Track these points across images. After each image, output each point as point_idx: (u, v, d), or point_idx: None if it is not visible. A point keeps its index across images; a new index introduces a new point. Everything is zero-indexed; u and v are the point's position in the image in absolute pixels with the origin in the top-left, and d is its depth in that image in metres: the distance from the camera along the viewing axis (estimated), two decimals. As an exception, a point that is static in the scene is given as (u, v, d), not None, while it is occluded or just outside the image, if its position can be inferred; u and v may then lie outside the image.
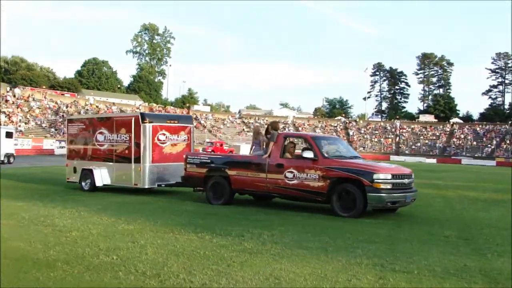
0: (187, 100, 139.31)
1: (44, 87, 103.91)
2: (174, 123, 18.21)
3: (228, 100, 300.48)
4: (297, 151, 14.46)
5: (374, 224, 11.89)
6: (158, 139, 17.53)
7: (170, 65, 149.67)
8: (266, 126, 15.71)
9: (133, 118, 17.56)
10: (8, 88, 76.55)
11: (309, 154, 13.29)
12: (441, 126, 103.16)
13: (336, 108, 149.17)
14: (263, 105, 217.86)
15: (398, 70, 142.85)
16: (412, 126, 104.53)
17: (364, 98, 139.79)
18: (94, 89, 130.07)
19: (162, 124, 17.80)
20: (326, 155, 13.44)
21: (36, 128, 65.30)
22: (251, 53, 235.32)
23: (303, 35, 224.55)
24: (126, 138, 17.70)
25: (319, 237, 9.94)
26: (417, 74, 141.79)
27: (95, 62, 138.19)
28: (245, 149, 74.63)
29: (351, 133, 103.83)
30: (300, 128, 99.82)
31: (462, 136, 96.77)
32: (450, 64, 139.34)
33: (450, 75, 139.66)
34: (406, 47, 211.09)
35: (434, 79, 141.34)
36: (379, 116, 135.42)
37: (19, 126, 61.88)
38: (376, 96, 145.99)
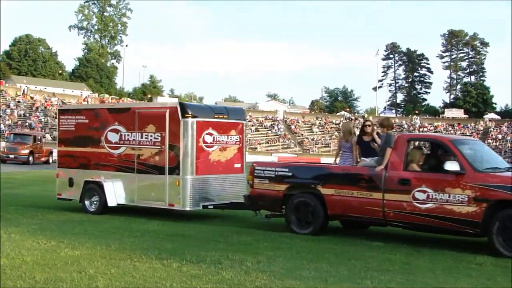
0: (149, 90, 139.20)
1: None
2: (223, 118, 16.61)
3: (201, 90, 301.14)
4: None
5: (386, 248, 12.00)
6: (204, 141, 15.97)
7: (126, 45, 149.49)
8: (364, 123, 14.92)
9: (168, 111, 15.89)
10: None
11: (453, 166, 11.93)
12: (472, 124, 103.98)
13: (338, 101, 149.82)
14: (246, 97, 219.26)
15: (418, 52, 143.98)
16: (436, 124, 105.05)
17: (374, 88, 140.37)
18: (28, 75, 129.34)
19: (210, 120, 16.16)
20: (477, 167, 12.11)
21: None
22: (228, 30, 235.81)
23: (295, 5, 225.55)
24: (155, 138, 16.04)
25: (316, 264, 10.02)
26: (441, 57, 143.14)
27: (29, 41, 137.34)
28: None
29: (357, 131, 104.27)
30: (293, 126, 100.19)
31: (500, 136, 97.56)
32: (485, 44, 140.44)
33: (484, 58, 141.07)
34: (427, 23, 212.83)
35: (464, 64, 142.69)
36: (393, 111, 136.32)
37: None
38: (390, 85, 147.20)
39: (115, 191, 16.62)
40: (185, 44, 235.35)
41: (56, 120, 19.72)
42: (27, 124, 74.29)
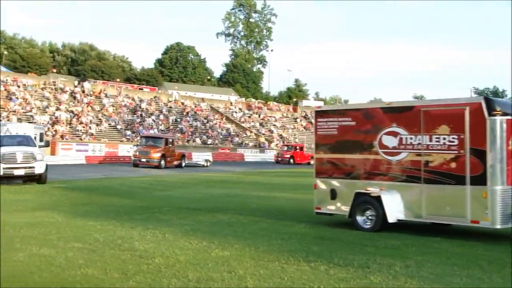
0: (294, 93, 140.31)
1: (118, 80, 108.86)
2: None
3: (346, 93, 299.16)
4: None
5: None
6: None
7: (271, 50, 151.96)
8: None
9: (468, 108, 13.50)
10: (76, 82, 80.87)
11: None
12: None
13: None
14: (391, 98, 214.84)
15: None
16: None
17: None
18: (179, 81, 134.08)
19: None
20: None
21: (109, 130, 68.42)
22: (369, 31, 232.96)
23: (440, 4, 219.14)
24: (450, 142, 13.78)
25: (468, 271, 9.70)
26: None
27: (179, 49, 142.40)
28: None
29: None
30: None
31: None
32: None
33: None
34: None
35: None
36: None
37: (90, 128, 65.17)
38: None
39: (395, 205, 14.42)
40: (329, 47, 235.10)
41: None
42: (178, 128, 77.05)
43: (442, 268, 9.92)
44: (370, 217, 14.66)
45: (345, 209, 15.11)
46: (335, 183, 15.60)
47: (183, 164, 51.12)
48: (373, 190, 14.59)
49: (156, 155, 47.30)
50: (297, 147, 72.26)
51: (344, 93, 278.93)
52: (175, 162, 50.11)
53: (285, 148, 73.39)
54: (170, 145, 50.31)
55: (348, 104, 19.17)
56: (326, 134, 16.05)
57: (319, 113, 16.56)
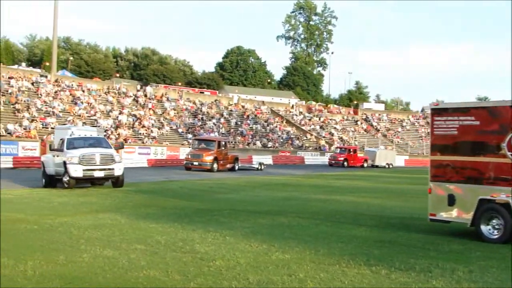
0: (355, 96, 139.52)
1: (179, 84, 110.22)
2: None
3: (408, 95, 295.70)
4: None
5: None
6: None
7: (332, 53, 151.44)
8: None
9: None
10: (139, 86, 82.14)
11: None
12: None
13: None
14: (453, 100, 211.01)
15: None
16: None
17: None
18: (239, 85, 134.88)
19: None
20: None
21: (171, 133, 69.25)
22: (435, 31, 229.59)
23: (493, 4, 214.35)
24: None
25: (535, 277, 9.46)
26: None
27: (240, 52, 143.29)
28: (384, 156, 73.66)
29: None
30: None
31: None
32: None
33: None
34: None
35: None
36: None
37: (152, 131, 66.06)
38: None
39: None
40: (389, 49, 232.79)
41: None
42: (238, 131, 77.42)
43: (507, 274, 9.72)
44: (496, 227, 13.42)
45: (466, 217, 13.83)
46: (453, 188, 14.25)
47: (236, 168, 50.34)
48: (500, 196, 13.28)
49: (208, 158, 46.49)
50: (351, 150, 71.77)
51: (405, 95, 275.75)
52: (228, 165, 49.14)
53: (338, 150, 72.98)
54: (223, 148, 49.00)
55: (470, 101, 17.01)
56: (444, 134, 14.59)
57: (437, 111, 15.00)
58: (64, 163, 26.61)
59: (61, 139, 28.70)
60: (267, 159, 67.99)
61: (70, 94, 67.39)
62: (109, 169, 27.02)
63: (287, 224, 15.65)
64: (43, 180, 28.97)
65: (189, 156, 47.65)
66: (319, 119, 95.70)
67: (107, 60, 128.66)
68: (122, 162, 28.45)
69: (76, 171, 26.34)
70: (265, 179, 38.75)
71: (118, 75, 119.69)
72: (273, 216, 17.39)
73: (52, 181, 28.32)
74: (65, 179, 26.68)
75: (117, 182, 27.69)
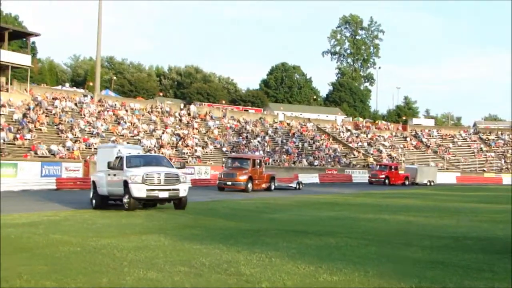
0: (404, 111, 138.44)
1: (223, 102, 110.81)
2: None
3: (459, 110, 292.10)
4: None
5: None
6: None
7: (379, 68, 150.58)
8: None
9: None
10: (182, 105, 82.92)
11: None
12: None
13: None
14: (507, 115, 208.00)
15: None
16: None
17: None
18: (284, 102, 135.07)
19: None
20: None
21: (215, 152, 69.56)
22: (484, 41, 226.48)
23: None
24: None
25: None
26: None
27: (285, 69, 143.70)
28: (426, 173, 72.37)
29: None
30: None
31: None
32: None
33: None
34: None
35: None
36: None
37: (195, 151, 66.47)
38: None
39: None
40: (439, 62, 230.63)
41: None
42: (284, 150, 77.41)
43: None
44: None
45: None
46: None
47: (273, 187, 49.08)
48: None
49: (242, 177, 45.10)
50: (392, 167, 71.08)
51: (456, 110, 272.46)
52: (264, 185, 47.81)
53: (378, 167, 72.35)
54: (258, 166, 47.39)
55: None
56: None
57: None
58: (125, 182, 25.80)
59: (117, 157, 27.86)
60: (314, 178, 67.85)
61: (113, 114, 68.42)
62: (174, 189, 26.09)
63: (335, 245, 15.50)
64: (93, 201, 28.32)
65: (222, 176, 46.49)
66: (367, 136, 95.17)
67: (150, 79, 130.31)
68: (187, 182, 27.67)
69: (140, 191, 25.45)
70: (312, 198, 38.60)
71: (161, 94, 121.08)
72: (320, 237, 17.25)
73: (104, 201, 27.81)
74: (125, 199, 25.95)
75: (179, 203, 26.85)
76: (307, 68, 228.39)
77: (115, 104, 71.60)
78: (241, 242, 15.83)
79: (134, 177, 25.58)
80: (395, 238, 17.06)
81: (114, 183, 26.93)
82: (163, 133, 68.33)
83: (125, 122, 66.98)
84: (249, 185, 45.38)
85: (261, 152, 72.35)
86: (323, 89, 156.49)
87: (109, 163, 27.17)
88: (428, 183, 71.44)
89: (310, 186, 59.43)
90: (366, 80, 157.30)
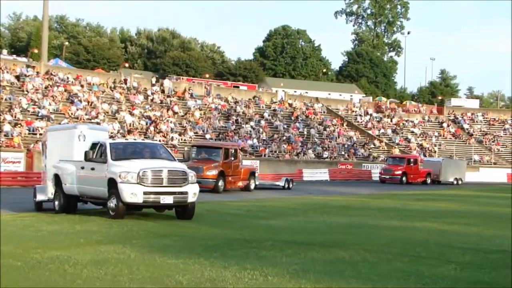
0: (439, 90, 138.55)
1: (207, 76, 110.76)
2: None
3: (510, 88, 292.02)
4: None
5: None
6: None
7: (408, 33, 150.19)
8: None
9: None
10: (154, 80, 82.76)
11: None
12: None
13: None
14: None
15: None
16: None
17: None
18: (285, 76, 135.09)
19: None
20: None
21: (196, 140, 69.37)
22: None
23: None
24: None
25: None
26: None
27: (286, 34, 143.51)
28: (452, 168, 71.97)
29: None
30: None
31: None
32: None
33: None
34: None
35: None
36: None
37: (171, 138, 66.41)
38: None
39: None
40: (487, 28, 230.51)
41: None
42: (284, 138, 77.31)
43: None
44: None
45: None
46: None
47: (253, 186, 48.07)
48: None
49: (211, 173, 43.49)
50: (411, 160, 70.16)
51: (507, 88, 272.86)
52: (240, 183, 46.93)
53: (391, 160, 71.12)
54: (233, 158, 46.21)
55: None
56: None
57: None
58: (111, 181, 23.68)
59: (94, 144, 25.94)
60: (322, 174, 67.90)
61: (65, 90, 68.25)
62: (181, 193, 23.90)
63: (348, 260, 15.55)
64: (55, 203, 26.79)
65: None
66: (391, 121, 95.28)
67: (112, 45, 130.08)
68: (196, 183, 25.16)
69: (134, 194, 23.08)
70: (319, 200, 38.66)
71: (127, 65, 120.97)
72: (330, 249, 17.30)
73: (73, 203, 26.41)
74: (112, 204, 23.77)
75: (185, 211, 24.78)
76: (314, 33, 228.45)
77: (67, 78, 71.48)
78: (229, 255, 15.86)
79: (126, 175, 23.25)
80: (426, 252, 17.12)
81: (91, 181, 25.16)
82: (129, 115, 68.25)
83: (80, 101, 66.85)
84: (220, 183, 44.14)
85: (255, 140, 72.32)
86: (336, 61, 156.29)
87: (86, 153, 25.10)
88: (455, 182, 71.17)
89: (317, 184, 59.57)
90: (391, 48, 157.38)
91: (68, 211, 26.00)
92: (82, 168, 25.55)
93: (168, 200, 23.54)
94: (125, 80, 77.12)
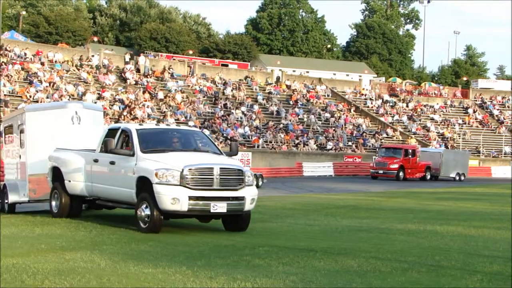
0: (464, 69, 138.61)
1: (190, 53, 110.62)
2: None
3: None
4: None
5: None
6: None
7: (428, 2, 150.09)
8: None
9: None
10: (128, 57, 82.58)
11: None
12: None
13: None
14: None
15: None
16: None
17: None
18: (282, 53, 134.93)
19: None
20: None
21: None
22: None
23: None
24: None
25: None
26: None
27: (284, 3, 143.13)
28: (453, 162, 71.86)
29: None
30: None
31: None
32: None
33: None
34: None
35: None
36: None
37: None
38: None
39: None
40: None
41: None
42: (281, 125, 77.33)
43: None
44: None
45: None
46: None
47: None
48: None
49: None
50: (409, 151, 69.33)
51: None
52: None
53: (384, 151, 70.64)
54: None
55: None
56: None
57: None
58: (143, 181, 21.32)
59: (111, 130, 24.06)
60: (325, 168, 68.03)
61: (22, 69, 68.17)
62: (236, 198, 21.66)
63: (357, 269, 15.62)
64: (53, 204, 25.34)
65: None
66: (408, 106, 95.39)
67: (79, 16, 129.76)
68: (253, 185, 22.83)
69: (176, 200, 20.69)
70: (323, 199, 38.74)
71: (96, 39, 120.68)
72: (336, 257, 17.37)
73: (78, 206, 25.21)
74: (142, 213, 21.42)
75: (238, 221, 22.72)
76: (317, 2, 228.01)
77: (25, 54, 71.40)
78: (216, 264, 15.92)
79: (165, 173, 20.78)
80: (449, 261, 17.19)
81: (110, 179, 23.22)
82: (98, 98, 68.20)
83: (41, 82, 66.79)
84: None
85: (247, 129, 72.35)
86: (343, 35, 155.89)
87: (106, 143, 22.52)
88: (457, 177, 70.91)
89: (320, 180, 59.67)
90: (408, 20, 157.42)
91: (70, 214, 24.76)
92: (96, 161, 23.68)
93: (221, 208, 21.20)
94: (93, 57, 77.00)
